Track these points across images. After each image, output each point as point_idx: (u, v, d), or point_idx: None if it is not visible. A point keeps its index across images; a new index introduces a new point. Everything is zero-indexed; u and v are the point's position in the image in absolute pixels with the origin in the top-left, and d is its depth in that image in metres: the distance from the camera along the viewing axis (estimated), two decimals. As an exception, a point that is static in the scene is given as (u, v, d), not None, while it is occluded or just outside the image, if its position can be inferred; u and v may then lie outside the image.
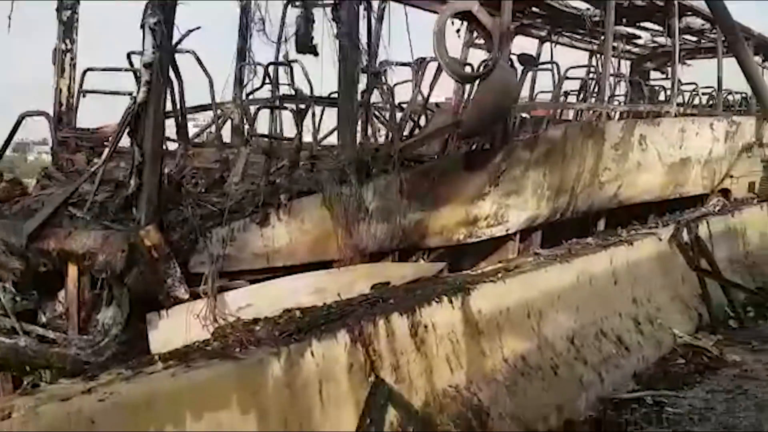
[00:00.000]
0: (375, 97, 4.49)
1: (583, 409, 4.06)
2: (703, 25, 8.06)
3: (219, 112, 4.95)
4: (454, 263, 4.75)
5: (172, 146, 3.84)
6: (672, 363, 4.95)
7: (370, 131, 4.38)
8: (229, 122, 5.43)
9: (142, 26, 2.90)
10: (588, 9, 6.72)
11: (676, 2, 6.72)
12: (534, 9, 6.81)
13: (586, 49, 8.94)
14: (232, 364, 2.53)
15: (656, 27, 7.99)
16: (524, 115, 5.86)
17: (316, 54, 4.77)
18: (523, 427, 3.58)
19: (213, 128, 5.09)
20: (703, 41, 9.00)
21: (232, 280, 3.24)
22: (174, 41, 3.03)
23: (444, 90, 6.68)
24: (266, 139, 4.41)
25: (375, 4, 4.91)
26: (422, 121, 5.82)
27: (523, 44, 8.06)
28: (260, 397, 2.53)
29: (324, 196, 3.44)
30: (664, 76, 10.14)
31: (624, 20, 7.14)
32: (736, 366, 4.90)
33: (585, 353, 4.36)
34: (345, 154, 3.65)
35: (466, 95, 5.70)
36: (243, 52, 5.51)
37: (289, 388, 2.60)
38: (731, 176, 9.00)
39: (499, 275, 3.95)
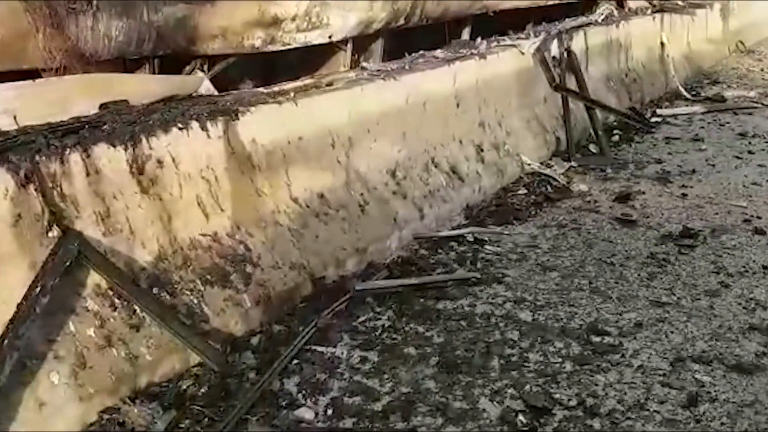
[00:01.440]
0: None
1: (394, 249, 3.55)
2: None
3: None
4: (260, 79, 3.91)
5: None
6: (511, 194, 4.49)
7: None
8: None
9: None
10: None
11: None
12: None
13: None
14: None
15: None
16: None
17: None
18: (308, 275, 3.03)
19: None
20: None
21: None
22: None
23: None
24: None
25: None
26: None
27: None
28: None
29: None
30: None
31: None
32: (580, 197, 4.49)
33: (407, 187, 3.78)
34: None
35: None
36: None
37: None
38: (627, -18, 8.20)
39: (292, 95, 3.15)
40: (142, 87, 2.73)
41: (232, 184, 2.78)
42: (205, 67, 3.31)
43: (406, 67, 4.03)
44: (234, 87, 3.77)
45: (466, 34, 5.45)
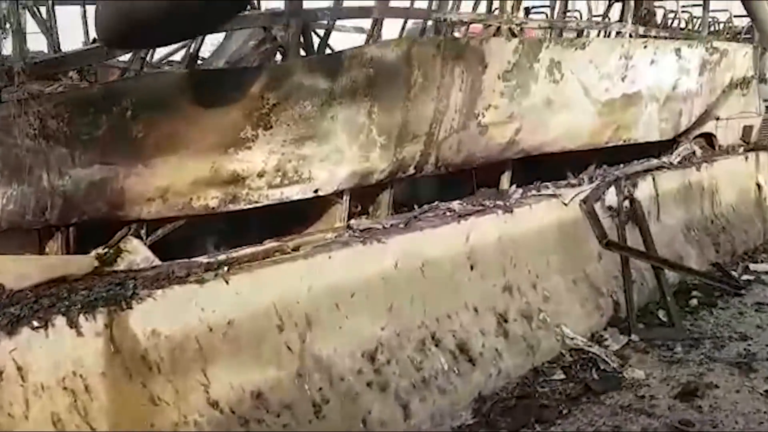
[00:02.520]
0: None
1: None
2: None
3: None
4: (239, 238, 3.39)
5: None
6: (543, 380, 3.60)
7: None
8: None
9: None
10: None
11: None
12: None
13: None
14: None
15: None
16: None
17: None
18: None
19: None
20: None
21: None
22: None
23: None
24: None
25: None
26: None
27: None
28: None
29: None
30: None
31: None
32: (634, 389, 3.53)
33: (388, 375, 3.02)
34: None
35: None
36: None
37: None
38: (717, 118, 7.30)
39: (225, 270, 2.57)
40: (16, 269, 2.25)
41: (113, 393, 2.16)
42: (143, 232, 2.83)
43: (403, 225, 3.40)
44: (198, 251, 3.26)
45: (505, 180, 4.78)
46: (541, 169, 4.99)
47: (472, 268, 3.61)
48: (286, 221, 3.71)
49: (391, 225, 3.38)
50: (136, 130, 2.56)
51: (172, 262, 2.67)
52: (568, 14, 7.18)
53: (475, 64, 3.89)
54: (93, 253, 2.64)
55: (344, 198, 3.65)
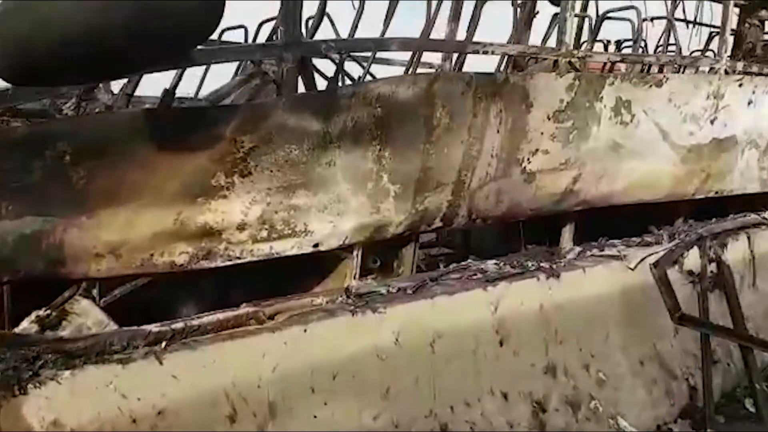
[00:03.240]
0: None
1: None
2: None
3: None
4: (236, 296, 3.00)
5: None
6: (583, 491, 2.92)
7: None
8: None
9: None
10: None
11: None
12: None
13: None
14: None
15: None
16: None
17: None
18: None
19: None
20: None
21: None
22: None
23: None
24: None
25: None
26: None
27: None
28: None
29: None
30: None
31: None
32: None
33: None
34: None
35: None
36: None
37: None
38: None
39: (164, 346, 2.15)
40: None
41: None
42: (95, 292, 2.48)
43: (412, 289, 2.87)
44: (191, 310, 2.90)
45: (567, 236, 4.13)
46: (624, 224, 4.30)
47: (501, 343, 3.02)
48: (292, 278, 3.28)
49: (399, 289, 2.86)
50: (76, 178, 2.21)
51: (118, 329, 2.29)
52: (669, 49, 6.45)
53: (517, 103, 3.34)
54: (33, 315, 2.30)
55: (354, 253, 3.17)
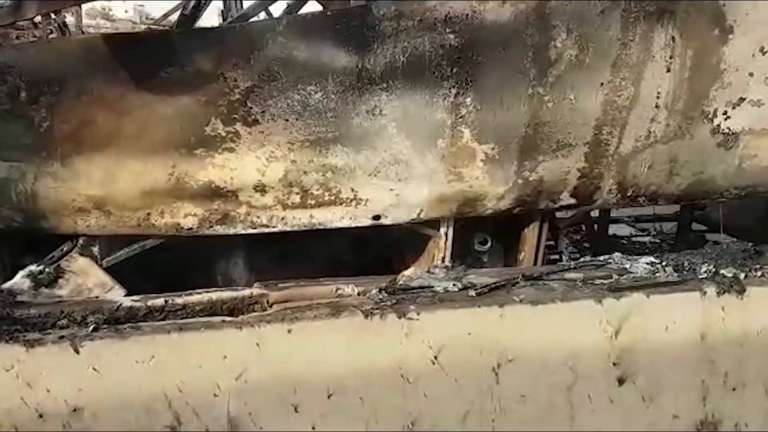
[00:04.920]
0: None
1: None
2: None
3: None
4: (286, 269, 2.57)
5: None
6: None
7: None
8: None
9: None
10: None
11: None
12: None
13: None
14: None
15: None
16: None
17: None
18: None
19: None
20: None
21: None
22: None
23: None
24: None
25: None
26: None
27: None
28: None
29: None
30: None
31: None
32: None
33: None
34: None
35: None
36: None
37: None
38: None
39: (92, 331, 1.76)
40: None
41: None
42: (96, 250, 2.17)
43: (481, 290, 2.06)
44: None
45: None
46: None
47: (621, 381, 2.07)
48: (386, 259, 2.70)
49: (466, 286, 2.08)
50: (38, 118, 1.89)
51: (84, 299, 1.97)
52: None
53: (705, 26, 2.21)
54: (26, 270, 2.10)
55: (442, 231, 2.44)
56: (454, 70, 2.05)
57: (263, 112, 1.97)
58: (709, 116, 2.33)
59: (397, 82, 2.02)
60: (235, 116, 1.96)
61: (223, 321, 1.82)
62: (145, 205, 2.07)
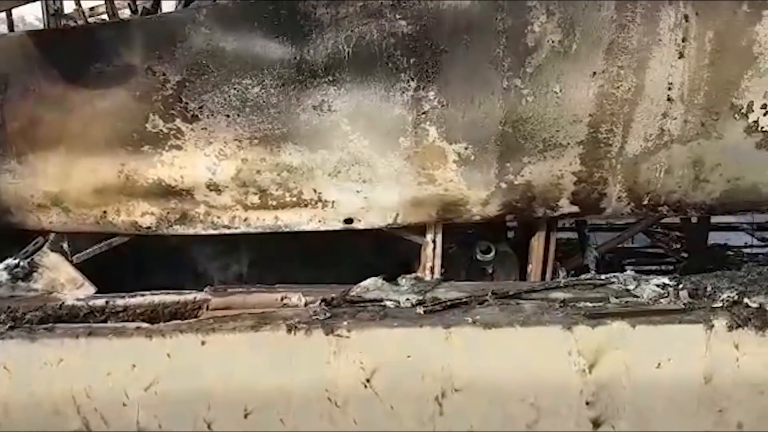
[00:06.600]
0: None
1: None
2: None
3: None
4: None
5: None
6: None
7: None
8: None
9: None
10: None
11: None
12: None
13: None
14: None
15: None
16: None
17: None
18: None
19: None
20: None
21: None
22: None
23: None
24: None
25: None
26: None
27: None
28: None
29: None
30: None
31: None
32: None
33: None
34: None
35: None
36: None
37: None
38: None
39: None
40: None
41: None
42: (66, 246, 2.17)
43: (437, 307, 1.83)
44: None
45: None
46: None
47: (596, 423, 1.77)
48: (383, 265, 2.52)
49: (421, 302, 1.86)
50: (-13, 112, 1.92)
51: (29, 297, 1.99)
52: None
53: (729, 1, 1.83)
54: (3, 263, 2.16)
55: (429, 238, 2.23)
56: (411, 60, 1.84)
57: (201, 107, 1.87)
58: (742, 111, 1.93)
59: (344, 74, 1.84)
60: (173, 112, 1.88)
61: (137, 328, 1.75)
62: (100, 202, 2.04)
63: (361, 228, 2.14)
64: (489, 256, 2.41)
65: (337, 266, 2.57)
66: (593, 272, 2.28)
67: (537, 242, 2.32)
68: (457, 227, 2.33)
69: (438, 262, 2.27)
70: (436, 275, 2.27)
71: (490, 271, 2.48)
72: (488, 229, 2.47)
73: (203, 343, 1.71)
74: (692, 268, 3.72)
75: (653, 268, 4.62)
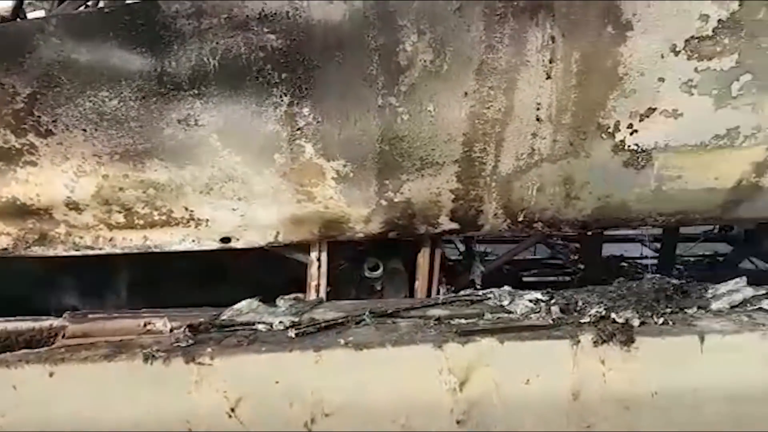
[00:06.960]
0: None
1: None
2: None
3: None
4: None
5: None
6: None
7: None
8: None
9: None
10: None
11: None
12: None
13: None
14: None
15: None
16: None
17: None
18: None
19: None
20: None
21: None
22: None
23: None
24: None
25: None
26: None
27: None
28: None
29: None
30: None
31: None
32: None
33: None
34: None
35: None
36: None
37: None
38: None
39: None
40: None
41: None
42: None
43: (308, 330, 1.78)
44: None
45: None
46: None
47: (468, 445, 1.75)
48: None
49: (296, 324, 1.80)
50: None
51: None
52: None
53: (595, 23, 1.87)
54: None
55: (313, 256, 2.18)
56: (283, 75, 1.79)
57: (54, 121, 1.75)
58: (609, 130, 1.98)
59: (211, 88, 1.77)
60: (25, 126, 1.76)
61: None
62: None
63: (240, 247, 2.07)
64: (377, 273, 2.38)
65: (233, 285, 2.49)
66: (475, 288, 2.29)
67: (423, 258, 2.31)
68: (346, 244, 2.29)
69: (324, 280, 2.22)
70: (322, 294, 2.22)
71: (379, 288, 2.45)
72: (381, 245, 2.44)
73: (51, 374, 1.59)
74: (588, 279, 3.82)
75: (551, 279, 4.74)
